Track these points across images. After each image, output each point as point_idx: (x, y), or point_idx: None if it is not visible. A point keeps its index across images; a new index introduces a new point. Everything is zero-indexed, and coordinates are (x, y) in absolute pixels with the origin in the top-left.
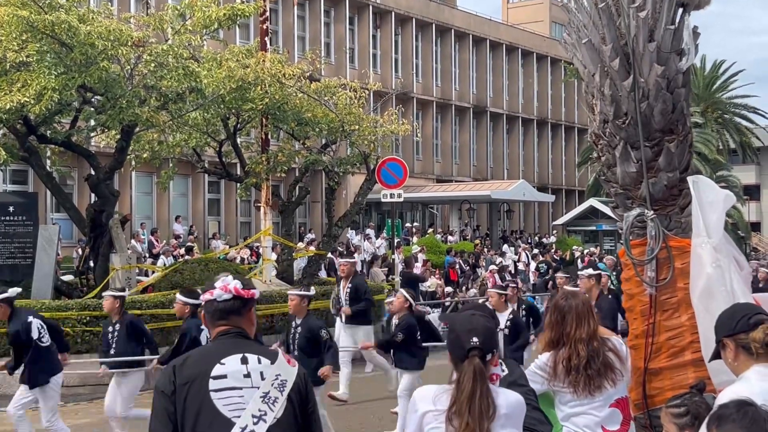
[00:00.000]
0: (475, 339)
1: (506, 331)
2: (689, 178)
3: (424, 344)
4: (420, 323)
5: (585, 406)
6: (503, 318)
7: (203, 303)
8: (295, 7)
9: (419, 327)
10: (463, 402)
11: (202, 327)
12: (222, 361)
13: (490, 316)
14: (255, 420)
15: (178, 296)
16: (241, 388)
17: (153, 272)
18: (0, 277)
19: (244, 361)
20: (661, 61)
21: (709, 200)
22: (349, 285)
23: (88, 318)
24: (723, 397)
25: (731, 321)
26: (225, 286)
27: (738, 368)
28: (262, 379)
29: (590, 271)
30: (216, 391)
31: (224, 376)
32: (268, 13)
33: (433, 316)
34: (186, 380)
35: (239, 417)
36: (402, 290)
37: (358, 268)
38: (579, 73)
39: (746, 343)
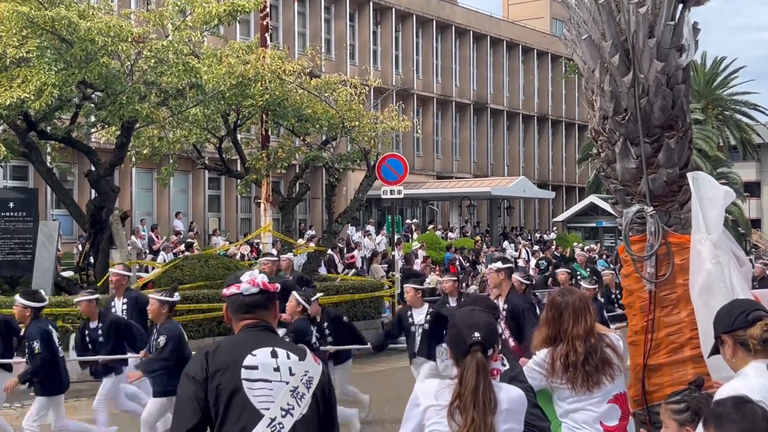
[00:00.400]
0: (477, 334)
1: (426, 326)
2: (689, 175)
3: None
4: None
5: (583, 402)
6: (421, 315)
7: (228, 296)
8: (296, 3)
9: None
10: (467, 397)
11: (49, 328)
12: (253, 352)
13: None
14: (283, 413)
15: (17, 298)
16: (270, 381)
17: (153, 269)
18: (0, 273)
19: (274, 354)
20: (661, 57)
21: (708, 197)
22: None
23: None
24: (721, 394)
25: (729, 317)
26: (253, 279)
27: (736, 364)
28: (291, 374)
29: (499, 264)
30: (248, 380)
31: (255, 367)
32: (268, 9)
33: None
34: (219, 367)
35: (268, 409)
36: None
37: (358, 264)
38: (579, 70)
39: (744, 340)
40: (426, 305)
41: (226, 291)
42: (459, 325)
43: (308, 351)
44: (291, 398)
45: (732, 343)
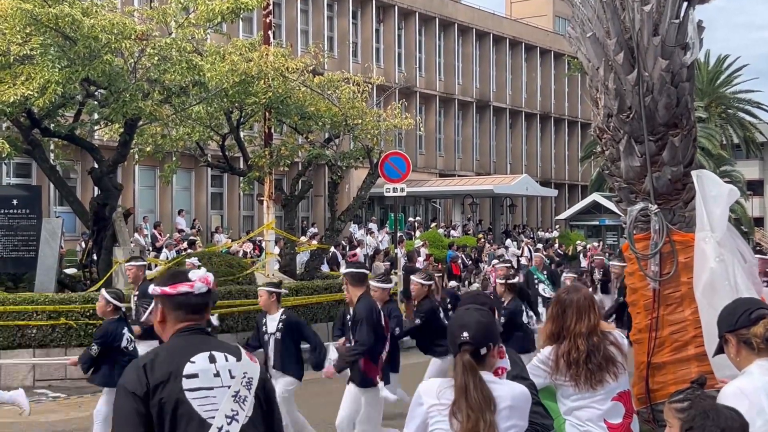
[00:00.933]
0: (465, 334)
1: (278, 335)
2: (693, 173)
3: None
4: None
5: (587, 399)
6: (274, 321)
7: (172, 295)
8: (299, 0)
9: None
10: (458, 396)
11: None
12: (192, 359)
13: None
14: (228, 420)
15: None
16: (212, 388)
17: (156, 266)
18: (4, 269)
19: (212, 359)
20: (666, 55)
21: (712, 195)
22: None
23: (91, 311)
24: (725, 392)
25: (732, 316)
26: (206, 278)
27: (740, 363)
28: (231, 377)
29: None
30: (190, 390)
31: (196, 375)
32: (271, 7)
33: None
34: (159, 380)
35: (214, 417)
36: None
37: (360, 259)
38: (583, 67)
39: (748, 338)
40: (281, 310)
41: (168, 288)
42: (451, 326)
43: (242, 350)
44: (234, 403)
45: (736, 341)
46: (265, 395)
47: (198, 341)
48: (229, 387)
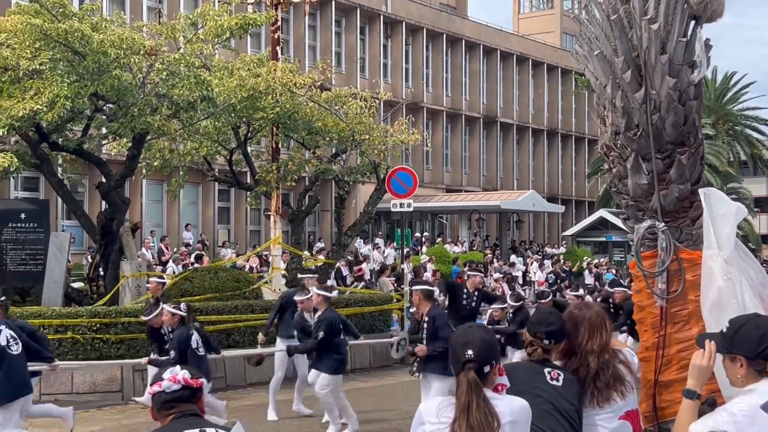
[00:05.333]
0: (469, 352)
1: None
2: (701, 191)
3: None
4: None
5: (593, 417)
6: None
7: (152, 395)
8: (307, 16)
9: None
10: (460, 415)
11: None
12: None
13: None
14: None
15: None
16: None
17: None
18: (11, 283)
19: None
20: (673, 74)
21: (720, 213)
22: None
23: (98, 325)
24: (733, 407)
25: (757, 346)
26: (174, 377)
27: (743, 383)
28: None
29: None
30: None
31: None
32: (279, 23)
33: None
34: None
35: None
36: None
37: (367, 277)
38: (590, 85)
39: (762, 369)
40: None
41: (149, 390)
42: (454, 344)
43: (239, 424)
44: None
45: (747, 365)
46: None
47: (188, 422)
48: None
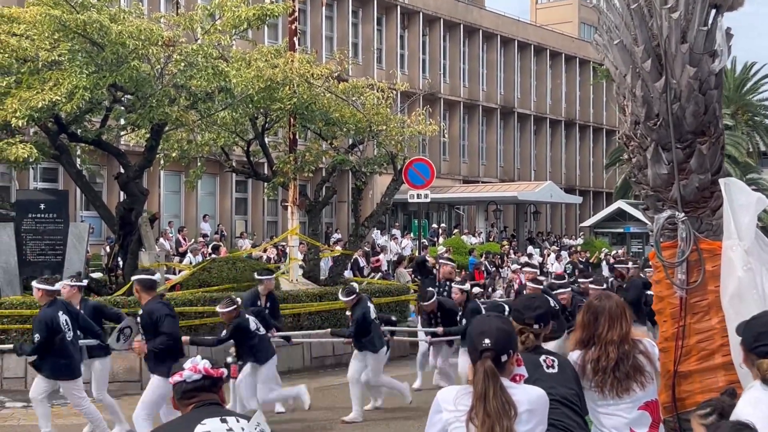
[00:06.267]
0: (486, 341)
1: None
2: (721, 181)
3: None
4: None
5: (612, 407)
6: None
7: (173, 385)
8: (324, 7)
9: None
10: (477, 403)
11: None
12: (203, 422)
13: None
14: None
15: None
16: None
17: (181, 271)
18: (31, 273)
19: (224, 421)
20: (694, 63)
21: (740, 203)
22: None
23: None
24: (743, 404)
25: (754, 340)
26: (194, 366)
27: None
28: (243, 430)
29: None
30: None
31: None
32: (296, 14)
33: None
34: None
35: None
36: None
37: (384, 268)
38: (609, 75)
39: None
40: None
41: (170, 380)
42: (472, 333)
43: (259, 412)
44: None
45: (745, 355)
46: None
47: (209, 410)
48: (243, 429)
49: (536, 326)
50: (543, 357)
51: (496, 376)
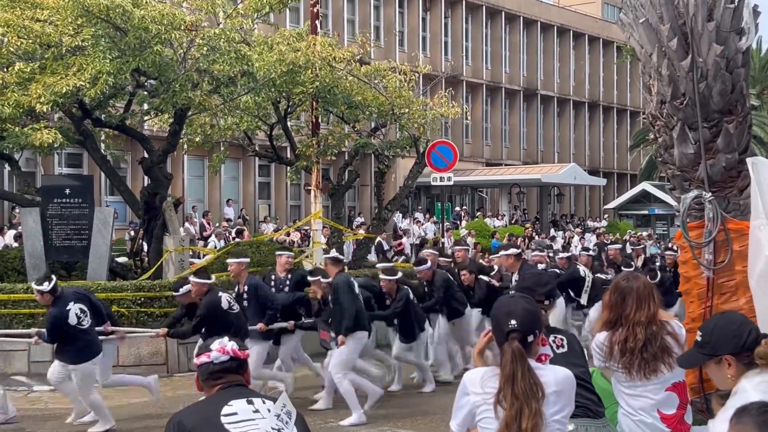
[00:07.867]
0: (513, 321)
1: None
2: (748, 160)
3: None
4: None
5: (639, 388)
6: None
7: (198, 366)
8: None
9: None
10: (505, 384)
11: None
12: (229, 403)
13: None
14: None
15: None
16: (253, 420)
17: (205, 255)
18: (57, 258)
19: (250, 402)
20: (721, 41)
21: None
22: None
23: (142, 299)
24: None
25: (739, 338)
26: (222, 347)
27: (734, 381)
28: (269, 411)
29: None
30: (230, 423)
31: (235, 413)
32: None
33: None
34: (196, 423)
35: None
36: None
37: (407, 251)
38: (635, 54)
39: (750, 360)
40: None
41: (196, 360)
42: (497, 313)
43: (284, 394)
44: (277, 421)
45: (735, 362)
46: (303, 427)
47: (235, 392)
48: (269, 410)
49: (546, 302)
50: (552, 337)
51: (524, 358)
